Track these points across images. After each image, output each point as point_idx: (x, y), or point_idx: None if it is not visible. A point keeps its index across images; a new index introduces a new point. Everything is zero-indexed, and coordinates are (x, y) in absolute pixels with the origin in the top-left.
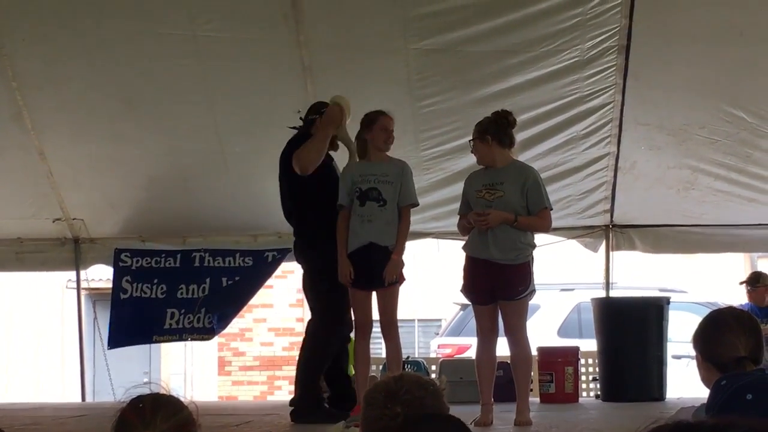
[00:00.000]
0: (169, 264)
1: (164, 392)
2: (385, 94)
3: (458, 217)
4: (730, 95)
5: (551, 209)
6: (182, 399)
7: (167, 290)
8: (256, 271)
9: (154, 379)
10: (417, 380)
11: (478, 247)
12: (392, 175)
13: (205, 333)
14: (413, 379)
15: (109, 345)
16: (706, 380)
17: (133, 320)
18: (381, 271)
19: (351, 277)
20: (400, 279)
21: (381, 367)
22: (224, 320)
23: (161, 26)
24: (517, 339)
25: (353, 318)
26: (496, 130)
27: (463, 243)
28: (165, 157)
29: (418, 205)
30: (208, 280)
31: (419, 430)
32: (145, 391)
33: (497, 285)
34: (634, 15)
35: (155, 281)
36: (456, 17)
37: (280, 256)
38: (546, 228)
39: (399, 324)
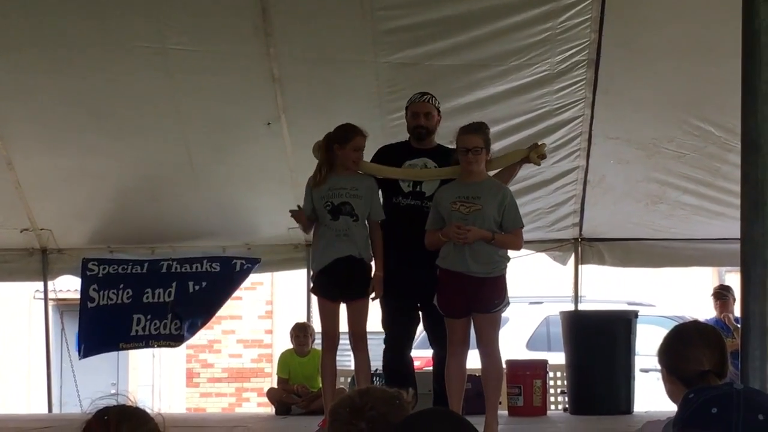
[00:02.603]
0: (136, 270)
1: (130, 404)
2: (355, 107)
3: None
4: (699, 109)
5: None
6: (149, 411)
7: (133, 295)
8: (223, 278)
9: (122, 390)
10: (382, 395)
11: (454, 260)
12: (362, 190)
13: (172, 339)
14: (378, 394)
15: (80, 355)
16: (671, 394)
17: (101, 328)
18: (357, 282)
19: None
20: (369, 291)
21: (349, 379)
22: (193, 328)
23: (131, 39)
24: (490, 352)
25: (321, 329)
26: (490, 146)
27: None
28: (134, 168)
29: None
30: (174, 284)
31: (416, 428)
32: (112, 402)
33: (473, 298)
34: (604, 30)
35: (121, 286)
36: (426, 31)
37: (249, 265)
38: (519, 246)
39: (368, 336)
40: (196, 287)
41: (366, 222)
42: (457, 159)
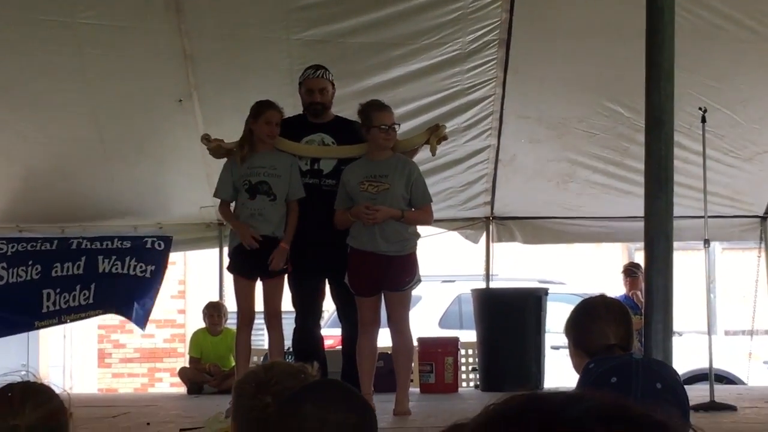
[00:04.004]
0: (45, 247)
1: (36, 381)
2: (268, 84)
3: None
4: (608, 90)
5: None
6: (54, 387)
7: (42, 270)
8: (135, 253)
9: (32, 371)
10: (287, 369)
11: (364, 239)
12: (281, 169)
13: (83, 310)
14: (284, 369)
15: None
16: (578, 367)
17: (12, 307)
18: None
19: (257, 239)
20: (289, 268)
21: (263, 358)
22: (144, 316)
23: (39, 12)
24: (401, 329)
25: (236, 307)
26: None
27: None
28: (42, 145)
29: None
30: (83, 258)
31: (303, 400)
32: (17, 379)
33: (384, 276)
34: (515, 10)
35: (30, 263)
36: (338, 9)
37: (163, 243)
38: (429, 222)
39: (282, 315)
40: (106, 260)
41: (285, 201)
42: (364, 136)
